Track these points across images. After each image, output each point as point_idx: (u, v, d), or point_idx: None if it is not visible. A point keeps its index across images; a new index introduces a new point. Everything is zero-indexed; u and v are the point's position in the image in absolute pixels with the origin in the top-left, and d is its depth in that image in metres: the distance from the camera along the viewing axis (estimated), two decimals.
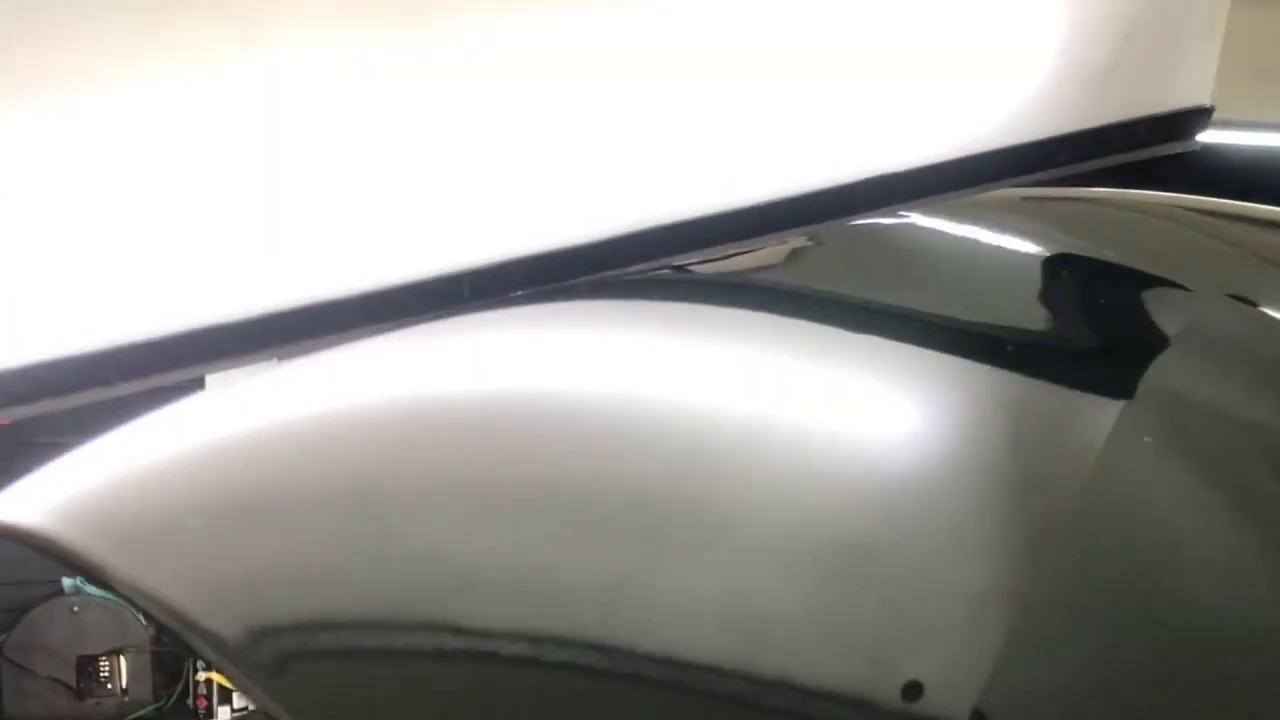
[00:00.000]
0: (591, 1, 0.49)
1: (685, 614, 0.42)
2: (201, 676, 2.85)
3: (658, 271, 0.54)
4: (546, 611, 0.42)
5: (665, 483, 0.47)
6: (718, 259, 0.55)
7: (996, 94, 0.57)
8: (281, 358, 0.49)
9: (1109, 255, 0.61)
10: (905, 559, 0.45)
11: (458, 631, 0.41)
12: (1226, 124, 2.94)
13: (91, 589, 2.88)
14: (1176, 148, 0.60)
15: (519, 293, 0.51)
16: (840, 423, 0.51)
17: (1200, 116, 0.60)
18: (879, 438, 0.50)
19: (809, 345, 0.55)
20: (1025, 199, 0.63)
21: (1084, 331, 0.59)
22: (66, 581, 2.90)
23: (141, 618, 2.96)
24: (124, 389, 0.46)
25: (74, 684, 2.84)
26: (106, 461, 0.42)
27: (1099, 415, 0.54)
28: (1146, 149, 0.59)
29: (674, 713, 0.41)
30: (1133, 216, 0.67)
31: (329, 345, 0.49)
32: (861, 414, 0.51)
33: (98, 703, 2.87)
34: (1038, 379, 0.56)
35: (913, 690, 0.41)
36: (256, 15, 0.44)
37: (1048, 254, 0.60)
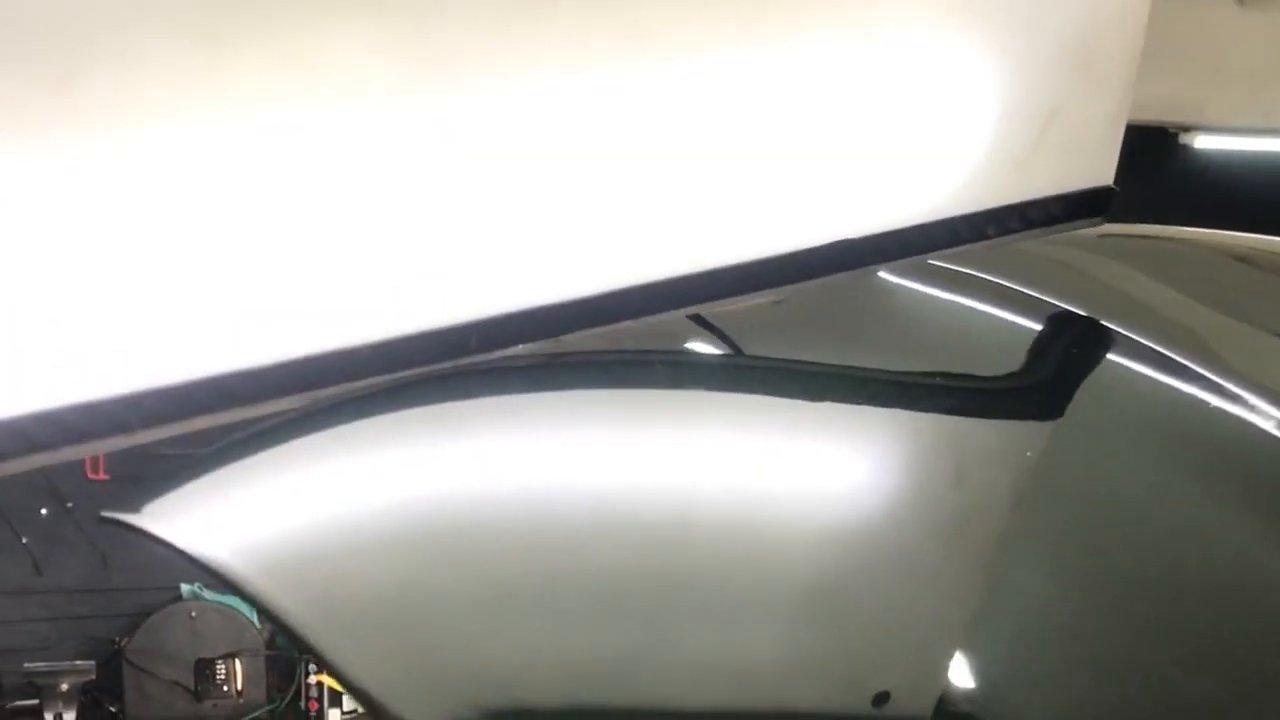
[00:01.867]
0: (597, 81, 0.53)
1: (690, 671, 0.48)
2: (313, 679, 2.90)
3: (620, 355, 0.60)
4: (578, 689, 0.47)
5: (661, 562, 0.52)
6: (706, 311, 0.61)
7: (939, 172, 0.62)
8: (293, 403, 0.51)
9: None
10: (869, 590, 0.51)
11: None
12: (1225, 130, 2.86)
13: (208, 595, 2.98)
14: (1083, 225, 0.66)
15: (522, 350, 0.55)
16: (803, 478, 0.56)
17: (1106, 196, 0.66)
18: (839, 490, 0.56)
19: (769, 414, 0.60)
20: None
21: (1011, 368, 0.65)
22: (185, 587, 2.97)
23: (256, 622, 3.08)
24: (142, 437, 0.48)
25: (192, 686, 2.88)
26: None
27: (1034, 441, 0.61)
28: (1059, 225, 0.65)
29: None
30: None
31: (339, 392, 0.51)
32: (822, 469, 0.57)
33: (214, 704, 2.91)
34: (979, 417, 0.62)
35: (881, 699, 0.48)
36: (303, 64, 0.47)
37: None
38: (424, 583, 0.49)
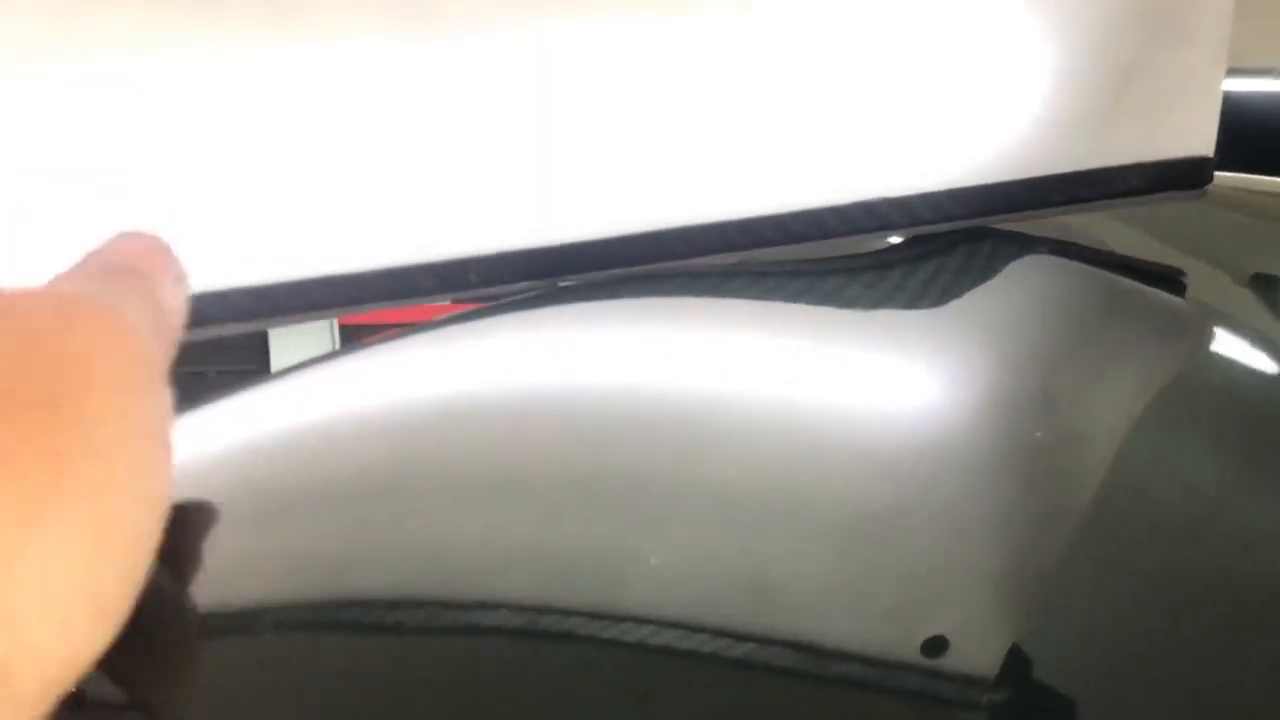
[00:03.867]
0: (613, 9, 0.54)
1: (699, 581, 0.44)
2: None
3: (663, 270, 0.58)
4: (559, 587, 0.44)
5: (682, 464, 0.49)
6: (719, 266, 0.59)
7: (993, 129, 0.59)
8: (300, 322, 0.54)
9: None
10: (926, 527, 0.47)
11: (474, 607, 0.43)
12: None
13: None
14: (1179, 197, 0.61)
15: (524, 286, 0.55)
16: (862, 400, 0.53)
17: (1201, 167, 0.61)
18: (901, 413, 0.53)
19: (828, 328, 0.58)
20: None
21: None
22: None
23: None
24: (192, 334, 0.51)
25: None
26: None
27: (1129, 391, 0.56)
28: (1140, 196, 0.61)
29: (688, 675, 0.42)
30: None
31: (343, 314, 0.54)
32: (882, 391, 0.54)
33: None
34: (1066, 358, 0.58)
35: (935, 645, 0.42)
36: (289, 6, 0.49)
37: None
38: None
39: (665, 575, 0.44)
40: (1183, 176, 0.61)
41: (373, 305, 0.54)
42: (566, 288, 0.56)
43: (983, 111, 0.59)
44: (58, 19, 0.47)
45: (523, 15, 0.53)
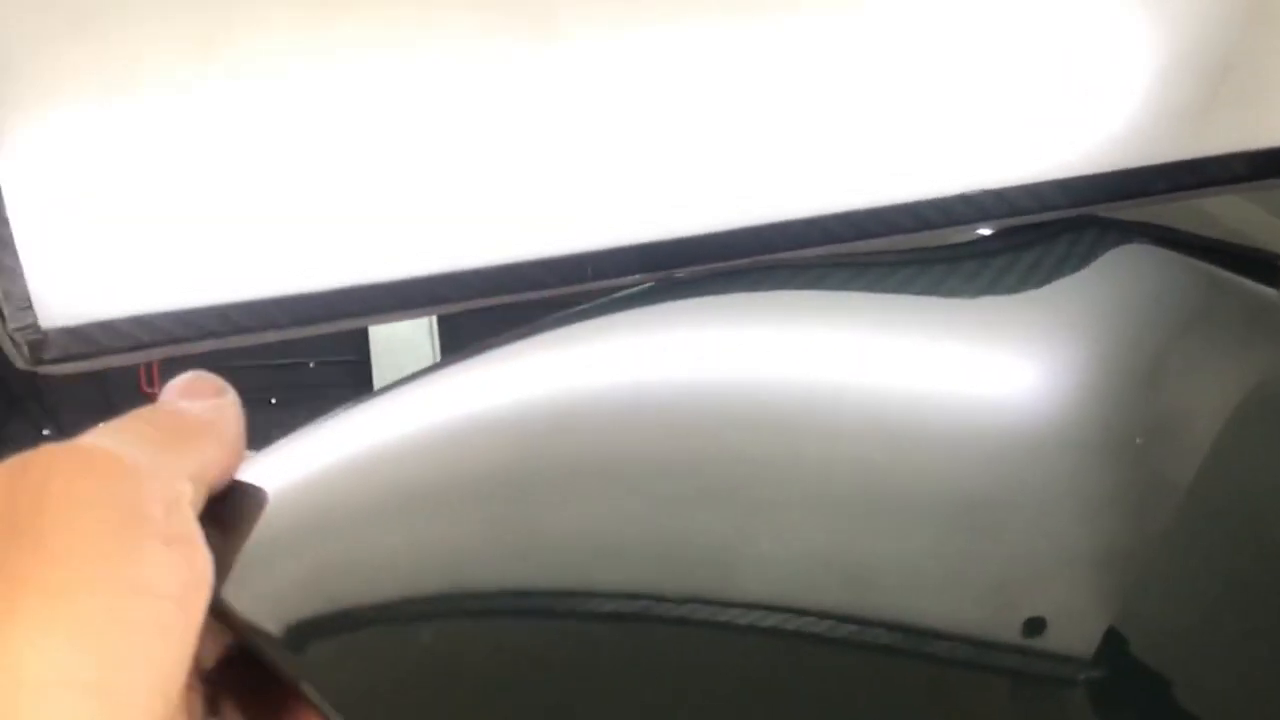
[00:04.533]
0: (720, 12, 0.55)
1: (806, 567, 0.46)
2: None
3: (765, 263, 0.59)
4: (672, 574, 0.45)
5: (790, 455, 0.50)
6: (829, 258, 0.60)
7: (1092, 119, 0.60)
8: (423, 315, 0.56)
9: None
10: (1024, 512, 0.48)
11: (594, 596, 0.45)
12: None
13: None
14: (1274, 184, 0.62)
15: (636, 279, 0.57)
16: (964, 389, 0.54)
17: None
18: (1002, 401, 0.54)
19: (931, 318, 0.59)
20: None
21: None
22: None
23: None
24: (293, 333, 0.52)
25: None
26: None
27: (1211, 383, 0.57)
28: (1245, 184, 0.62)
29: (795, 658, 0.44)
30: None
31: (466, 307, 0.55)
32: (983, 380, 0.55)
33: None
34: (1163, 351, 0.58)
35: (1035, 625, 0.44)
36: (408, 19, 0.51)
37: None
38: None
39: (774, 561, 0.46)
40: None
41: (487, 300, 0.57)
42: (672, 285, 0.58)
43: (1083, 102, 0.60)
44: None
45: (627, 14, 0.55)
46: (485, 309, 0.58)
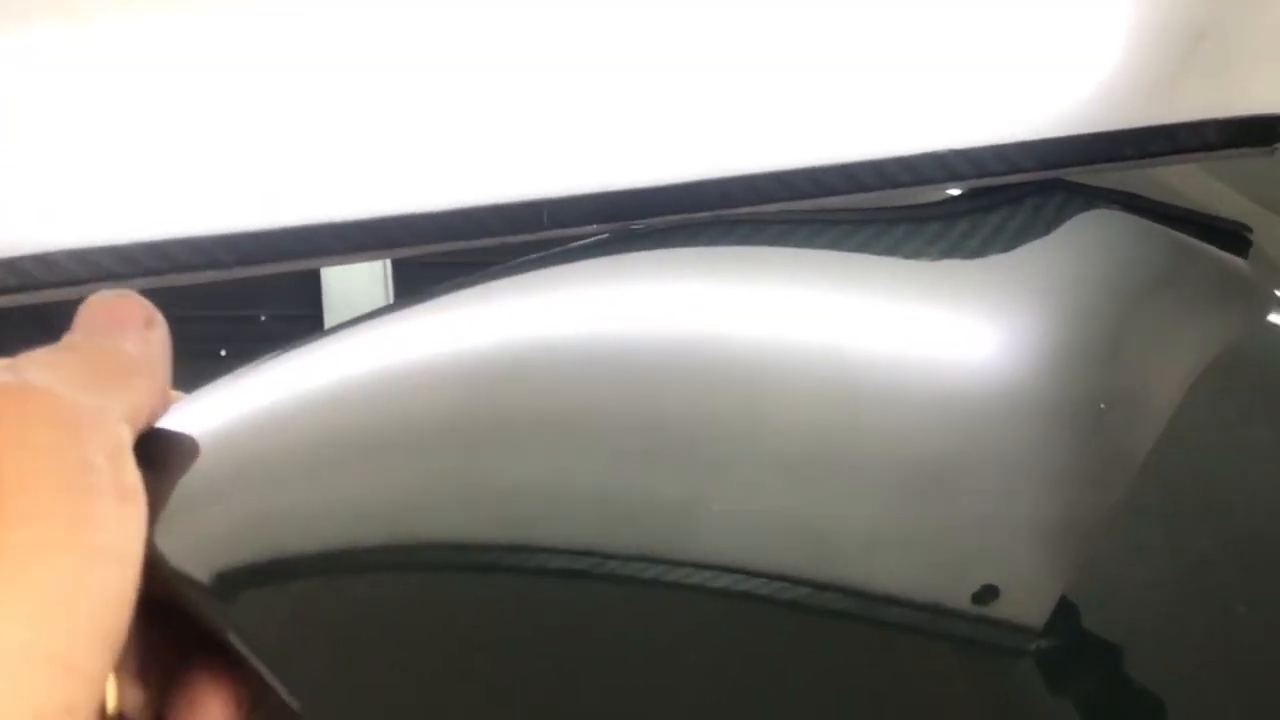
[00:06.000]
0: None
1: (757, 529, 0.45)
2: None
3: (728, 217, 0.58)
4: (615, 533, 0.44)
5: (742, 413, 0.49)
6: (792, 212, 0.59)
7: (1063, 83, 0.59)
8: (374, 259, 0.55)
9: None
10: (981, 478, 0.47)
11: (538, 552, 0.43)
12: None
13: None
14: (1250, 154, 0.61)
15: (595, 230, 0.56)
16: (921, 352, 0.53)
17: (1275, 124, 0.61)
18: (960, 365, 0.53)
19: (892, 279, 0.58)
20: None
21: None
22: None
23: None
24: (238, 272, 0.51)
25: None
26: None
27: (1173, 352, 0.56)
28: (1216, 151, 0.61)
29: (739, 618, 0.43)
30: None
31: (418, 252, 0.54)
32: (941, 343, 0.54)
33: None
34: (1125, 317, 0.58)
35: (987, 593, 0.44)
36: None
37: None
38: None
39: (726, 522, 0.45)
40: (1255, 133, 0.61)
41: (440, 246, 0.55)
42: (627, 237, 0.57)
43: (1055, 65, 0.58)
44: None
45: None
46: (441, 260, 0.57)
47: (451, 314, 0.52)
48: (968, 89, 0.58)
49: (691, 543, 0.44)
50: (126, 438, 0.32)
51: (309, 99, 0.52)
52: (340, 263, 0.55)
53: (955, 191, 0.60)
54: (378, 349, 0.49)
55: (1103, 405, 0.52)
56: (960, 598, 0.44)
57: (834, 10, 0.56)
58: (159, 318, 0.35)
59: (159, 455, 0.37)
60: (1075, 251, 0.59)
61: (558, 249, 0.55)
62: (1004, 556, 0.45)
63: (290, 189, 0.52)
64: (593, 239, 0.56)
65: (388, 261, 2.59)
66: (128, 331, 0.34)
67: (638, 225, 0.57)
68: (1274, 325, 0.58)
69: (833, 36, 0.57)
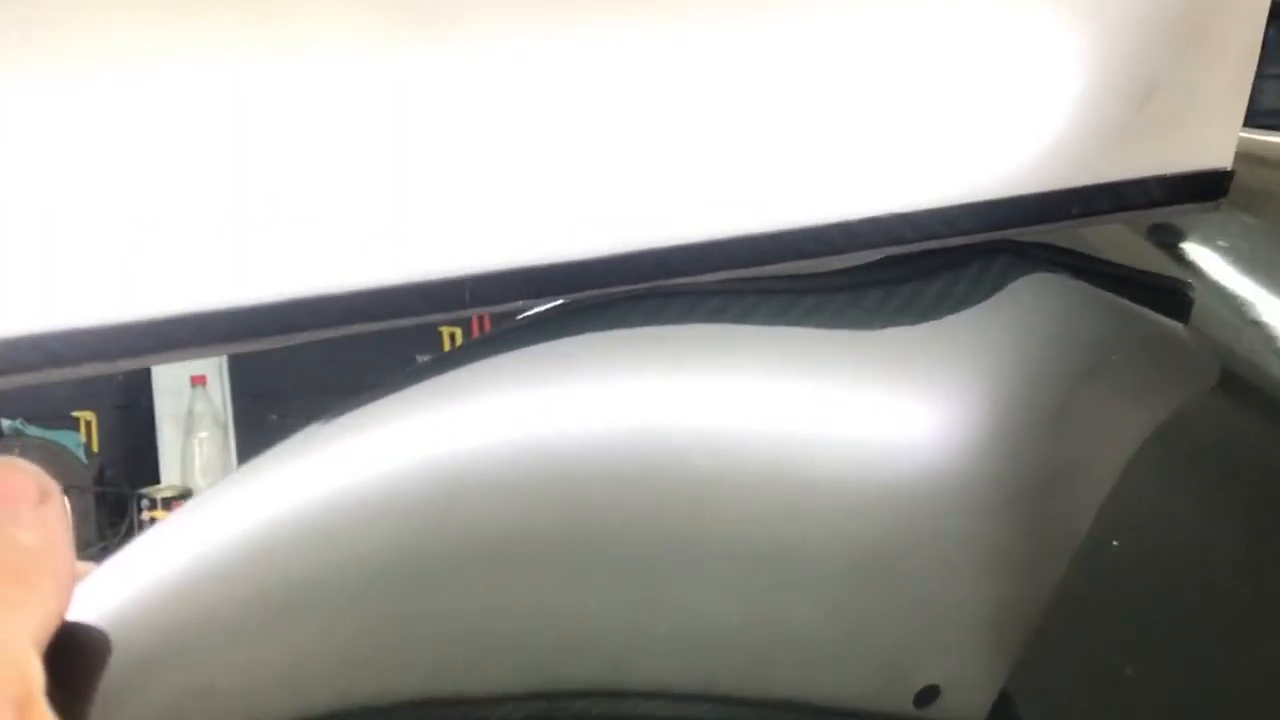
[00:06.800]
0: (612, 18, 0.50)
1: (697, 646, 0.43)
2: (147, 516, 2.86)
3: (661, 290, 0.55)
4: (562, 666, 0.42)
5: (674, 515, 0.47)
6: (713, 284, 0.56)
7: (1010, 141, 0.57)
8: (280, 345, 0.49)
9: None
10: (917, 564, 0.46)
11: (476, 703, 0.41)
12: None
13: (32, 430, 2.91)
14: (1194, 209, 0.59)
15: (519, 306, 0.53)
16: (844, 431, 0.52)
17: (1219, 179, 0.59)
18: (886, 445, 0.51)
19: (831, 358, 0.56)
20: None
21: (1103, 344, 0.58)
22: (5, 423, 2.90)
23: (83, 457, 2.96)
24: (124, 365, 0.47)
25: None
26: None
27: (1116, 426, 0.54)
28: (1162, 208, 0.59)
29: None
30: None
31: (327, 336, 0.50)
32: (866, 422, 0.52)
33: None
34: (1055, 390, 0.56)
35: (928, 694, 0.42)
36: (280, 13, 0.45)
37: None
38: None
39: (664, 641, 0.43)
40: (1201, 188, 0.59)
41: (353, 328, 0.51)
42: (544, 318, 0.55)
43: (1001, 123, 0.56)
44: None
45: (513, 23, 0.50)
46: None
47: (364, 436, 0.50)
48: (907, 150, 0.56)
49: (639, 671, 0.42)
50: (37, 677, 0.27)
51: (181, 172, 0.47)
52: (215, 354, 0.51)
53: (896, 254, 0.58)
54: (283, 493, 0.46)
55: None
56: (903, 702, 0.42)
57: (762, 67, 0.53)
58: (52, 486, 0.31)
59: (70, 659, 0.32)
60: (1019, 321, 0.58)
61: (478, 339, 0.52)
62: (945, 653, 0.43)
63: (146, 275, 0.47)
64: (515, 323, 0.53)
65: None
66: (20, 514, 0.29)
67: (565, 300, 0.53)
68: (1210, 393, 0.56)
69: (762, 95, 0.53)
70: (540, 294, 0.53)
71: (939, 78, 0.55)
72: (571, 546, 0.46)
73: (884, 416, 0.53)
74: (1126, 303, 0.59)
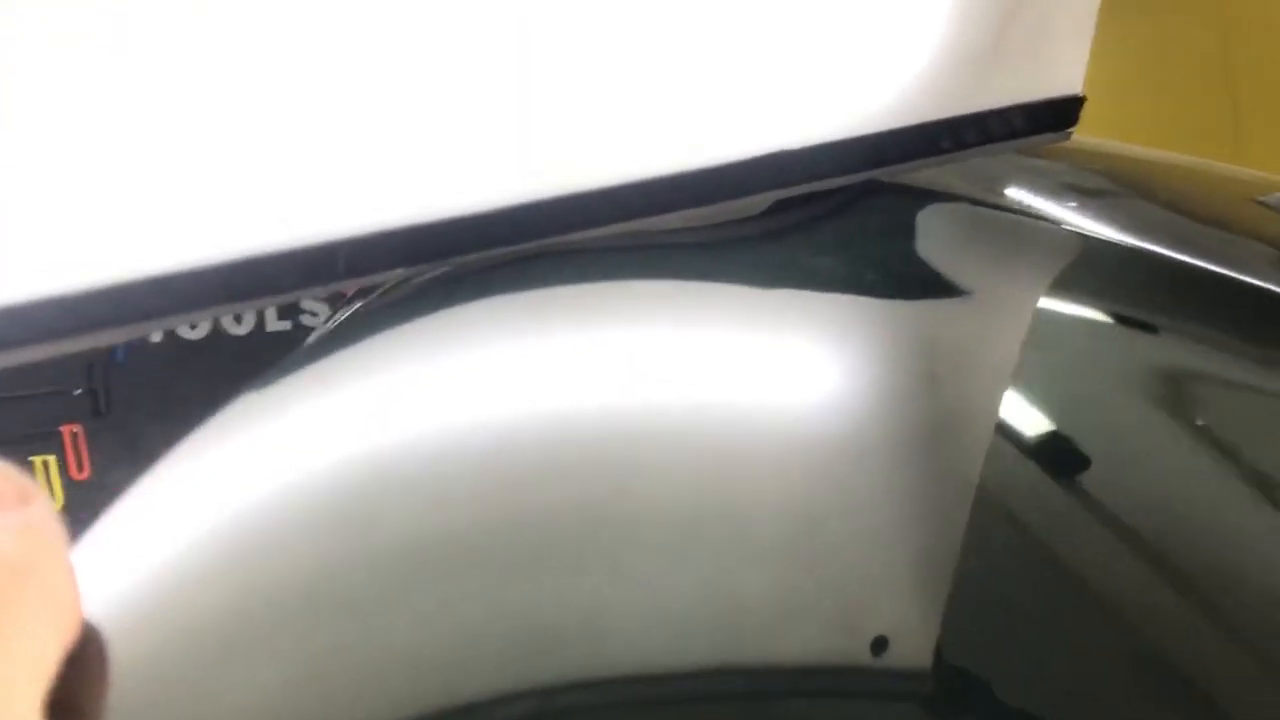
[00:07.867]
0: None
1: (669, 623, 0.43)
2: None
3: (535, 254, 0.52)
4: (529, 662, 0.41)
5: (608, 496, 0.47)
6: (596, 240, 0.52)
7: (881, 76, 0.55)
8: (130, 337, 0.43)
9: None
10: (854, 522, 0.46)
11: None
12: None
13: None
14: (1050, 138, 0.59)
15: (401, 273, 0.48)
16: (767, 395, 0.51)
17: (1073, 106, 0.59)
18: (809, 405, 0.51)
19: (722, 315, 0.54)
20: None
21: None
22: None
23: None
24: None
25: None
26: None
27: (1044, 369, 0.55)
28: (1022, 138, 0.58)
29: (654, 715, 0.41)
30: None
31: (180, 323, 0.44)
32: (788, 383, 0.52)
33: None
34: (972, 335, 0.56)
35: (880, 644, 0.43)
36: None
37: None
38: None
39: (610, 621, 0.42)
40: (1055, 116, 0.59)
41: (218, 308, 0.45)
42: (431, 284, 0.51)
43: (871, 56, 0.54)
44: None
45: None
46: None
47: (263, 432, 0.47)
48: (783, 89, 0.53)
49: (608, 657, 0.41)
50: None
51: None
52: (77, 346, 0.43)
53: (779, 198, 0.56)
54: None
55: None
56: (861, 654, 0.43)
57: (628, 10, 0.50)
58: (33, 487, 0.24)
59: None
60: (910, 260, 0.57)
61: (369, 309, 0.47)
62: (887, 604, 0.44)
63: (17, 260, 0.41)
64: (402, 292, 0.48)
65: None
66: (3, 520, 0.23)
67: (449, 265, 0.48)
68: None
69: (627, 40, 0.50)
70: (420, 259, 0.48)
71: (805, 13, 0.53)
72: (506, 535, 0.45)
73: (790, 375, 0.52)
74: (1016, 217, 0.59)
